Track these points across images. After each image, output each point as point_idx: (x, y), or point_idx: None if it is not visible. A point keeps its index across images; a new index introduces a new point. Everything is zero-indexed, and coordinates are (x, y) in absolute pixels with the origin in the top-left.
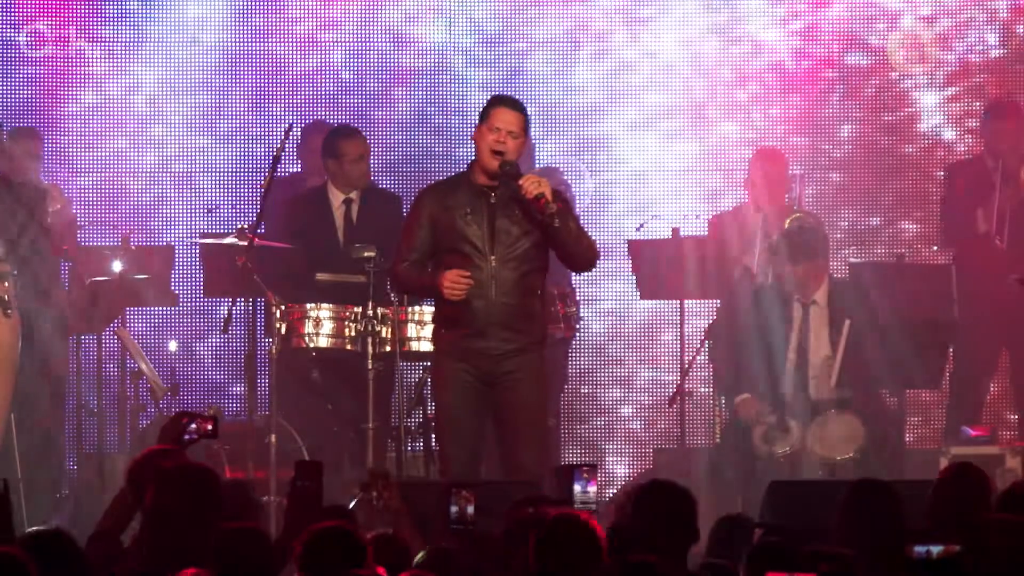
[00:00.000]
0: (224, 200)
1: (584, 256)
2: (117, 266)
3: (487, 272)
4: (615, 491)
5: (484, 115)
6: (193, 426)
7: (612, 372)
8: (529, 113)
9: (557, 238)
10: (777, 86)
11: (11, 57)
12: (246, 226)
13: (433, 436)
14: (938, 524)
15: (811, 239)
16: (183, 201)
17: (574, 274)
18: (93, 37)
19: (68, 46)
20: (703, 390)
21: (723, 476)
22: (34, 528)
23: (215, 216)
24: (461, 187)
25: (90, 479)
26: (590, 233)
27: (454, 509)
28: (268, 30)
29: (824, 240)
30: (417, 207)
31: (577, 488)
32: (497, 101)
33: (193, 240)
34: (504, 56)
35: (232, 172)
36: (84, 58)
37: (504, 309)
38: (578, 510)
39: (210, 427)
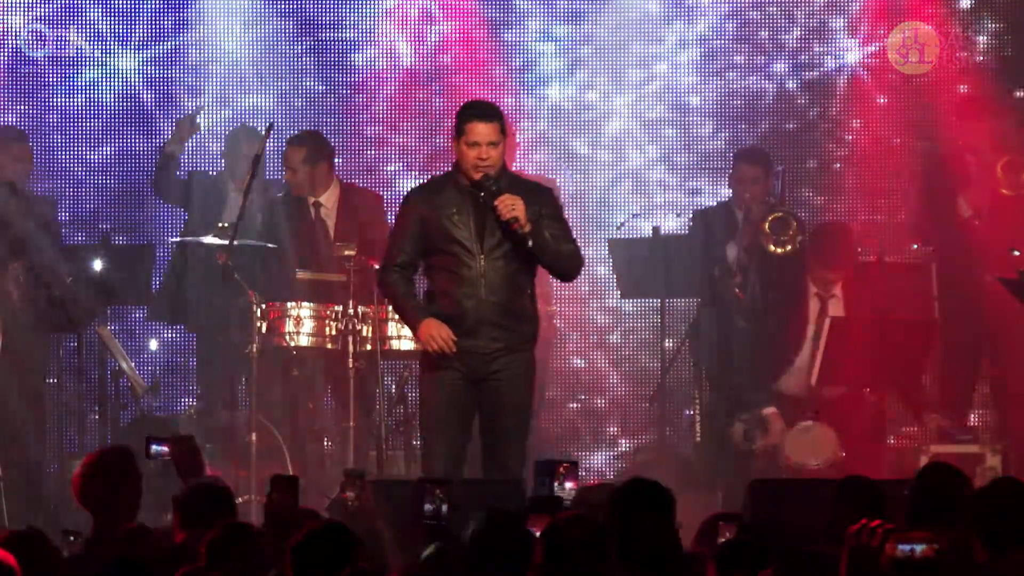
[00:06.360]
0: None
1: (564, 268)
2: (98, 265)
3: (476, 271)
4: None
5: (459, 129)
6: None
7: (593, 370)
8: (503, 112)
9: (534, 255)
10: (756, 85)
11: None
12: (226, 225)
13: (415, 434)
14: (916, 523)
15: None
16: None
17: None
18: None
19: (50, 44)
20: (683, 389)
21: (703, 474)
22: (8, 528)
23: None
24: (448, 187)
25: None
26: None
27: (428, 506)
28: (246, 31)
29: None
30: (406, 209)
31: (556, 485)
32: (469, 115)
33: (173, 239)
34: (479, 56)
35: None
36: (66, 60)
37: (494, 308)
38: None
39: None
